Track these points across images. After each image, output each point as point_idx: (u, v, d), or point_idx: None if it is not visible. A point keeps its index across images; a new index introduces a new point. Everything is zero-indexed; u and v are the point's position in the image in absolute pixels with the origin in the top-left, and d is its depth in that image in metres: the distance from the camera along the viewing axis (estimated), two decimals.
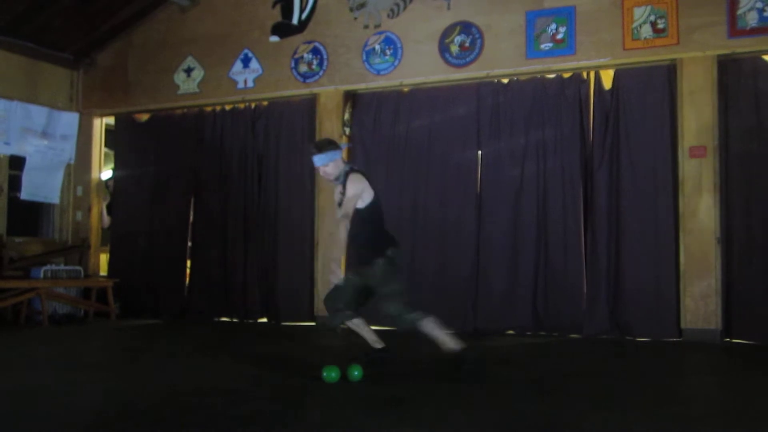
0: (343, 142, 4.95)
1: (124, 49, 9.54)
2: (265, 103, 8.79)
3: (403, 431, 3.35)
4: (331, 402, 4.03)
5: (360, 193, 4.83)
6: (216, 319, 8.71)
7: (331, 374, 4.45)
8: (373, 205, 4.92)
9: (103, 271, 9.70)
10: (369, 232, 4.90)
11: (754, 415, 3.72)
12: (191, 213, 9.13)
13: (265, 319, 8.55)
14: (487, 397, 4.11)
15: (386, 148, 8.05)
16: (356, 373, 4.50)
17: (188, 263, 9.14)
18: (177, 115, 9.31)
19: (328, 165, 4.85)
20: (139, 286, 9.12)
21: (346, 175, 4.86)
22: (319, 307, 8.13)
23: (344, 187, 4.83)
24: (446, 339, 4.78)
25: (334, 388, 4.36)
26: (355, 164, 5.12)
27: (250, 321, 8.56)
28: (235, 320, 8.64)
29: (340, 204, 4.89)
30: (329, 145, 4.93)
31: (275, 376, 4.79)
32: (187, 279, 9.08)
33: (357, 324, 5.00)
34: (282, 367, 5.18)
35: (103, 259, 9.79)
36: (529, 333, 7.28)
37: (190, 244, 9.14)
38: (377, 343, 4.99)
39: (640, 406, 3.89)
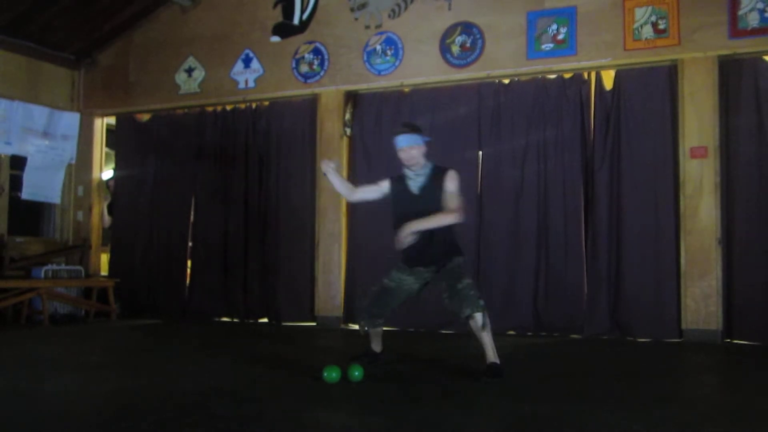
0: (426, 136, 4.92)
1: (125, 49, 9.55)
2: (266, 103, 8.79)
3: (403, 431, 3.35)
4: (331, 402, 4.03)
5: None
6: (216, 320, 8.71)
7: (331, 374, 4.45)
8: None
9: (104, 271, 9.71)
10: (452, 232, 4.85)
11: (755, 416, 3.72)
12: (192, 213, 9.13)
13: (265, 320, 8.55)
14: (487, 397, 4.10)
15: (387, 148, 8.00)
16: (356, 373, 4.50)
17: (189, 263, 9.14)
18: (178, 115, 9.31)
19: (414, 147, 4.76)
20: (140, 286, 9.14)
21: (441, 170, 4.81)
22: (320, 308, 8.14)
23: (441, 179, 4.74)
24: (493, 350, 4.67)
25: (334, 388, 4.35)
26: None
27: (251, 321, 8.56)
28: (235, 320, 8.64)
29: (413, 197, 4.80)
30: (421, 129, 4.88)
31: (275, 376, 4.79)
32: (188, 279, 9.08)
33: (377, 331, 5.04)
34: (282, 367, 5.18)
35: (104, 259, 9.80)
36: (529, 333, 7.29)
37: (190, 244, 9.15)
38: (378, 347, 5.04)
39: (640, 406, 3.89)
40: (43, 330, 7.70)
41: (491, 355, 4.65)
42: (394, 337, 6.71)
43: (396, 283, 4.89)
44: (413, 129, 4.82)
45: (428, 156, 4.93)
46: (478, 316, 4.59)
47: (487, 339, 4.65)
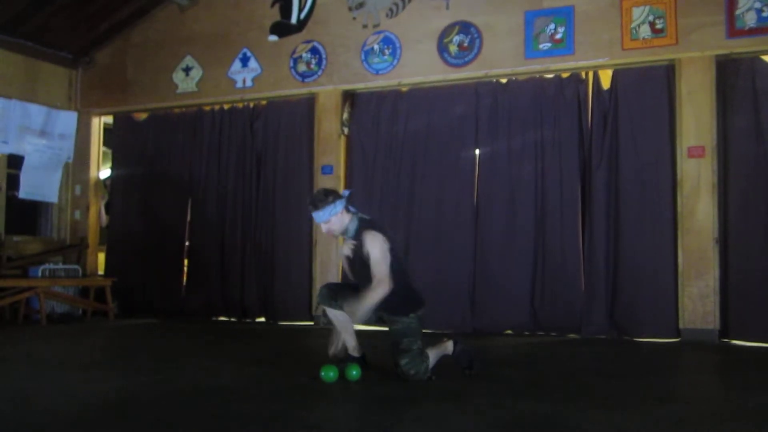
0: (345, 189, 4.47)
1: (123, 48, 9.53)
2: (264, 102, 8.79)
3: (403, 431, 3.35)
4: (330, 402, 4.03)
5: (387, 249, 4.41)
6: (213, 319, 8.71)
7: (329, 374, 4.44)
8: (395, 258, 4.51)
9: (101, 271, 9.70)
10: (401, 288, 4.50)
11: (752, 415, 3.73)
12: (189, 212, 9.12)
13: (263, 319, 8.55)
14: (485, 396, 4.11)
15: (384, 147, 8.05)
16: (354, 372, 4.50)
17: (185, 262, 9.13)
18: (175, 114, 9.30)
19: (329, 221, 4.46)
20: (136, 285, 9.12)
21: (362, 231, 4.45)
22: (317, 307, 8.12)
23: (362, 244, 4.42)
24: (443, 348, 4.69)
25: (334, 388, 4.35)
26: (359, 211, 4.66)
27: (248, 320, 8.56)
28: (232, 319, 8.64)
29: (351, 260, 4.56)
30: (326, 197, 4.47)
31: (274, 376, 4.79)
32: (185, 278, 9.07)
33: (347, 330, 4.80)
34: (281, 367, 5.18)
35: (102, 258, 9.78)
36: (527, 333, 7.29)
37: (187, 243, 9.14)
38: (356, 351, 4.83)
39: (638, 406, 3.89)
40: (41, 329, 7.69)
41: (446, 350, 4.69)
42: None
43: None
44: (315, 204, 4.48)
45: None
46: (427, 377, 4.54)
47: (435, 356, 4.62)
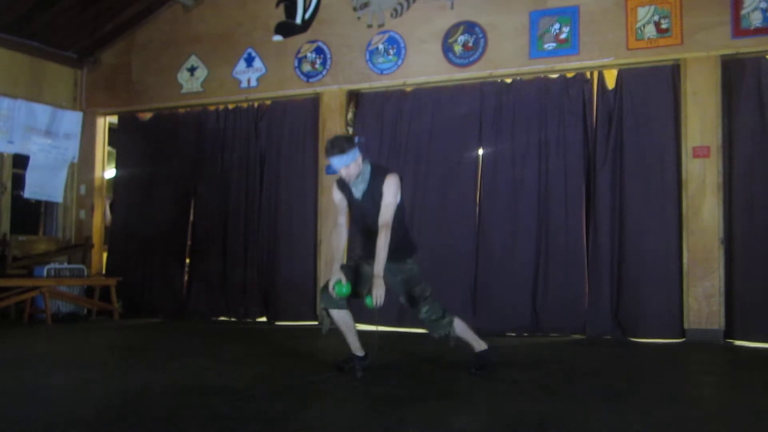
0: (356, 136, 4.72)
1: (128, 48, 9.55)
2: (268, 102, 8.79)
3: (404, 431, 3.35)
4: (331, 402, 4.03)
5: (399, 195, 4.65)
6: (216, 319, 8.70)
7: (342, 290, 4.58)
8: (402, 207, 4.77)
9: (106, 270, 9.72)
10: (403, 232, 4.78)
11: (757, 416, 3.71)
12: (192, 212, 9.13)
13: (264, 319, 8.54)
14: (488, 397, 4.10)
15: (389, 147, 8.04)
16: (368, 300, 4.55)
17: (188, 262, 9.14)
18: (180, 114, 9.31)
19: (350, 165, 4.59)
20: (138, 284, 9.12)
21: (380, 173, 4.65)
22: (321, 307, 8.12)
23: (367, 187, 4.62)
24: (476, 339, 4.85)
25: (334, 388, 4.35)
26: (370, 158, 4.85)
27: (250, 320, 8.55)
28: (234, 319, 8.62)
29: (359, 202, 4.69)
30: (348, 143, 4.61)
31: (275, 376, 4.79)
32: (187, 278, 9.07)
33: (349, 328, 4.90)
34: (282, 367, 5.18)
35: (106, 257, 9.80)
36: (530, 333, 7.26)
37: (189, 242, 9.14)
38: (359, 351, 4.92)
39: (642, 406, 3.88)
40: (46, 329, 7.71)
41: (475, 345, 4.84)
42: (395, 337, 6.70)
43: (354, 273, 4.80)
44: (343, 147, 4.57)
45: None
46: (451, 335, 4.70)
47: (468, 336, 4.81)
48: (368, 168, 4.71)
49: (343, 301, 4.79)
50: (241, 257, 8.69)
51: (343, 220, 4.86)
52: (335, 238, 4.79)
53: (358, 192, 4.72)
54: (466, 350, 4.92)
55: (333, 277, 4.69)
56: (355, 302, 4.88)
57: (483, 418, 3.59)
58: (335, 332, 4.92)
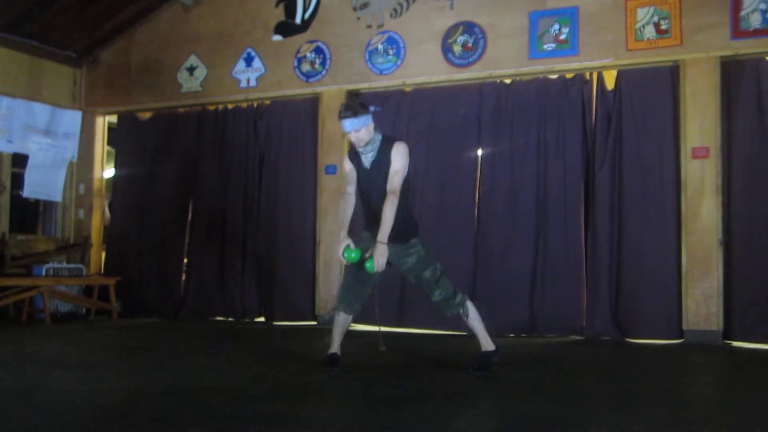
0: (373, 105, 4.78)
1: (127, 47, 9.55)
2: (268, 102, 8.79)
3: (403, 431, 3.35)
4: (330, 402, 4.03)
5: (408, 165, 4.66)
6: (214, 318, 8.70)
7: (351, 255, 4.59)
8: (408, 182, 4.78)
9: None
10: (407, 209, 4.78)
11: (755, 417, 3.71)
12: (190, 211, 9.12)
13: (262, 319, 8.54)
14: (487, 397, 4.10)
15: None
16: (369, 264, 4.56)
17: (186, 261, 9.13)
18: (179, 113, 9.31)
19: (360, 130, 4.61)
20: (137, 284, 9.12)
21: (389, 142, 4.68)
22: (321, 307, 8.13)
23: (377, 155, 4.66)
24: (486, 336, 4.83)
25: (332, 388, 4.35)
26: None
27: (248, 320, 8.55)
28: (233, 319, 8.62)
29: (367, 172, 4.70)
30: (362, 108, 4.62)
31: (274, 376, 4.79)
32: (185, 277, 9.07)
33: (344, 327, 4.94)
34: (281, 367, 5.18)
35: (104, 256, 9.80)
36: (528, 334, 7.27)
37: (188, 242, 9.13)
38: (337, 349, 4.97)
39: (640, 407, 3.88)
40: (44, 328, 7.70)
41: (483, 342, 4.83)
42: (395, 337, 6.71)
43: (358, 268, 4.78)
44: (355, 112, 4.59)
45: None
46: (465, 311, 4.77)
47: (477, 328, 4.82)
48: (379, 137, 4.74)
49: (359, 306, 4.86)
50: (239, 257, 8.69)
51: (352, 189, 4.84)
52: (343, 206, 4.76)
53: (367, 161, 4.73)
54: (465, 350, 4.91)
55: (341, 243, 4.65)
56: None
57: (481, 419, 3.59)
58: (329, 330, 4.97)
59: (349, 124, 4.60)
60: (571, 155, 7.32)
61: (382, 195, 4.61)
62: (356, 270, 4.75)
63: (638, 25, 7.07)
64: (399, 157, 4.63)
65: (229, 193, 8.83)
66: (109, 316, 8.81)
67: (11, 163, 8.95)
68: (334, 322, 4.97)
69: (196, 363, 5.34)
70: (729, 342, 6.65)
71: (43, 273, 8.51)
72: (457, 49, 7.77)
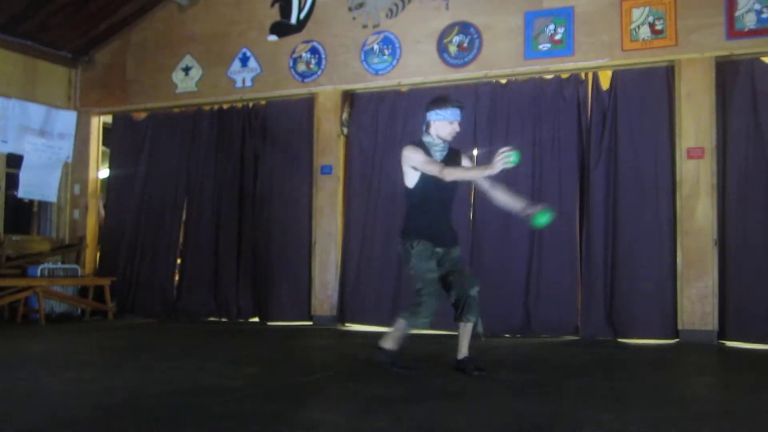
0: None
1: (123, 47, 9.53)
2: (263, 102, 8.78)
3: (403, 431, 3.35)
4: (330, 402, 4.03)
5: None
6: (209, 319, 8.68)
7: (542, 219, 4.72)
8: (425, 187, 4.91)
9: None
10: (411, 216, 4.98)
11: (750, 417, 3.72)
12: (185, 212, 9.10)
13: (257, 319, 8.52)
14: (487, 397, 4.11)
15: (384, 147, 8.04)
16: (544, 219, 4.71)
17: (180, 262, 9.11)
18: (174, 113, 9.30)
19: (460, 123, 4.91)
20: (131, 284, 9.10)
21: (455, 149, 4.96)
22: (316, 307, 8.12)
23: (447, 154, 4.86)
24: (396, 338, 4.81)
25: (328, 388, 4.34)
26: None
27: (242, 320, 8.53)
28: (228, 320, 8.59)
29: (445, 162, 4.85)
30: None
31: (273, 376, 4.79)
32: (179, 278, 9.05)
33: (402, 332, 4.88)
34: (280, 367, 5.17)
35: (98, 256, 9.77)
36: (525, 335, 7.27)
37: (182, 242, 9.11)
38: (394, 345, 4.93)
39: (636, 406, 3.89)
40: (40, 329, 7.68)
41: (466, 350, 4.87)
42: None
43: (435, 272, 4.81)
44: (463, 105, 4.92)
45: (400, 156, 4.98)
46: (477, 323, 4.84)
47: (468, 335, 4.90)
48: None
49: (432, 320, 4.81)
50: (233, 257, 8.67)
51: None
52: (469, 166, 5.16)
53: (440, 156, 4.86)
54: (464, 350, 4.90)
55: (534, 207, 4.89)
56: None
57: (479, 419, 3.59)
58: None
59: (459, 114, 4.83)
60: (566, 155, 7.32)
61: (451, 192, 4.90)
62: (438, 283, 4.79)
63: (633, 26, 7.08)
64: (468, 163, 5.07)
65: (224, 194, 8.82)
66: (104, 316, 8.79)
67: (6, 163, 8.93)
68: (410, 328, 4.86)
69: (192, 364, 5.33)
70: (723, 342, 6.66)
71: (38, 273, 8.49)
72: (452, 49, 7.77)
